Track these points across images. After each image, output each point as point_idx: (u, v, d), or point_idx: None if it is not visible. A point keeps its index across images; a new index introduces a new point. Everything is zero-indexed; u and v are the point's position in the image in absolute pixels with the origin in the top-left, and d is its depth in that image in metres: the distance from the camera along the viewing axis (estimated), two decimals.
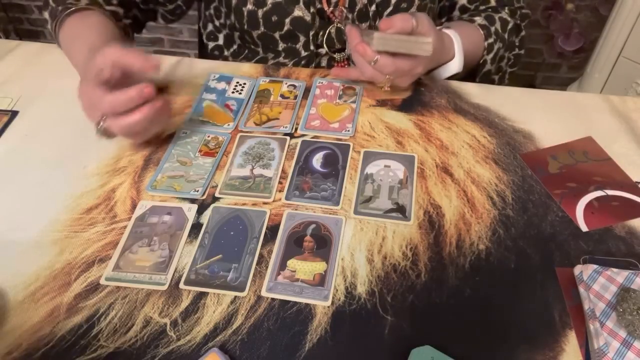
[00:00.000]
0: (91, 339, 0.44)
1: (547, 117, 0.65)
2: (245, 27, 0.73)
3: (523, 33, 0.81)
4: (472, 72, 0.79)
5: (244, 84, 0.70)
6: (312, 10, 0.71)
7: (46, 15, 0.70)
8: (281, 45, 0.75)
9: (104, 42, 0.62)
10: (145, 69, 0.53)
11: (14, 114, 0.65)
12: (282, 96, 0.68)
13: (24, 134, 0.63)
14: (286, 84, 0.70)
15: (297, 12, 0.71)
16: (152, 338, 0.44)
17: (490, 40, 0.74)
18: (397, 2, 0.72)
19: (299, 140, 0.62)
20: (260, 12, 0.71)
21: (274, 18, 0.71)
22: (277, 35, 0.73)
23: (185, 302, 0.46)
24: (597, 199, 0.55)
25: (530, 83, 1.98)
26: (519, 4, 0.79)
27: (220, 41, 0.82)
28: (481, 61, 0.76)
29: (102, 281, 0.48)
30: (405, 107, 0.66)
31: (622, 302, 0.43)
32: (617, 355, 0.40)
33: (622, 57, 1.58)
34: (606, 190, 0.56)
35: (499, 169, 0.59)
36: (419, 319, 0.45)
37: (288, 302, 0.46)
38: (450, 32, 0.69)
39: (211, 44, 0.84)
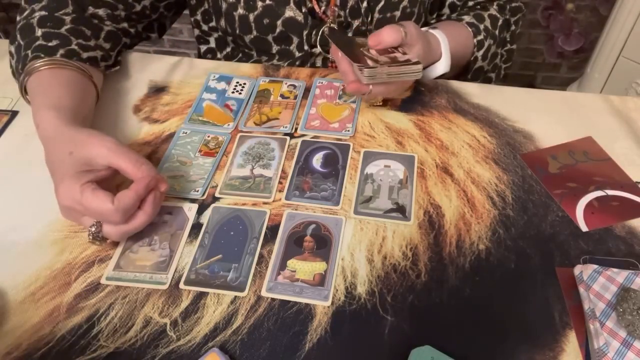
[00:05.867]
0: (91, 339, 0.44)
1: (547, 117, 0.65)
2: (237, 31, 0.73)
3: (513, 28, 0.80)
4: (464, 71, 0.79)
5: (244, 84, 0.70)
6: (303, 10, 0.70)
7: (12, 49, 0.62)
8: (275, 48, 0.74)
9: (75, 103, 0.55)
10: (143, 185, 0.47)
11: (14, 114, 0.65)
12: (282, 96, 0.68)
13: (24, 134, 0.62)
14: (286, 83, 0.70)
15: (289, 13, 0.70)
16: (152, 338, 0.44)
17: (480, 37, 0.74)
18: None
19: (299, 140, 0.62)
20: (251, 16, 0.70)
21: (266, 21, 0.71)
22: (270, 38, 0.73)
23: (185, 302, 0.46)
24: (597, 199, 0.55)
25: (530, 83, 1.98)
26: None
27: (212, 44, 0.82)
28: (472, 58, 0.76)
29: (103, 280, 0.48)
30: (405, 107, 0.66)
31: (622, 302, 0.43)
32: (617, 355, 0.40)
33: (622, 57, 1.58)
34: (606, 190, 0.56)
35: (499, 169, 0.59)
36: (419, 319, 0.45)
37: (288, 302, 0.46)
38: (436, 33, 0.69)
39: (203, 47, 0.84)
